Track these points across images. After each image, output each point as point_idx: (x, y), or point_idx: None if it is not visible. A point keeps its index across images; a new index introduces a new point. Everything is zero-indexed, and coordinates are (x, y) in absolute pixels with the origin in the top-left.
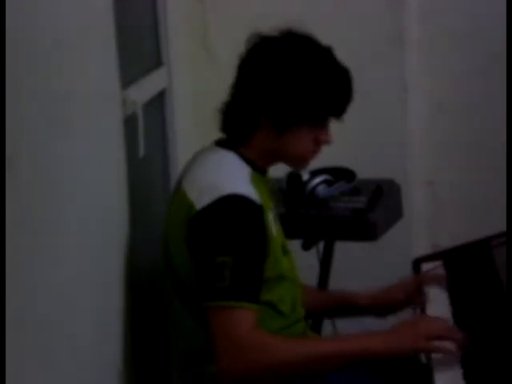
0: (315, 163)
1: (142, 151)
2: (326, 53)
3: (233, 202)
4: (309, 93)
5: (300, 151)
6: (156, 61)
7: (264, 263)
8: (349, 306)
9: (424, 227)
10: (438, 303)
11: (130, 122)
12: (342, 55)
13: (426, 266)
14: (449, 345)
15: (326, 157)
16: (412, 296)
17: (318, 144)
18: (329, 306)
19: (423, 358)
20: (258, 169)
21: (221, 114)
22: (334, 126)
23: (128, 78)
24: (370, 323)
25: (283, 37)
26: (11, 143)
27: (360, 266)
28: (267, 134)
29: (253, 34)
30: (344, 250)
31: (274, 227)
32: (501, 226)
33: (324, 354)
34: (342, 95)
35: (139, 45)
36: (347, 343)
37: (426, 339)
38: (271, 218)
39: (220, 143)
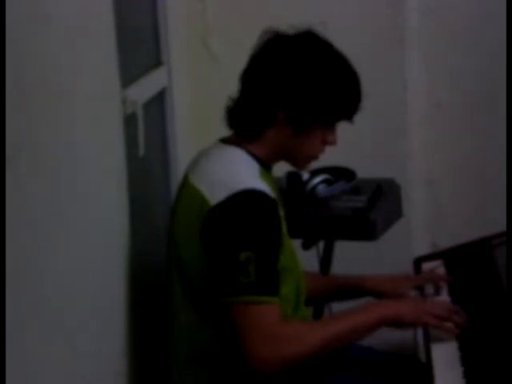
0: (315, 163)
1: (142, 151)
2: (344, 57)
3: (249, 197)
4: (331, 93)
5: (309, 151)
6: (156, 60)
7: (279, 257)
8: (354, 290)
9: (424, 227)
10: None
11: (129, 122)
12: None
13: (426, 266)
14: (449, 324)
15: (325, 156)
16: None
17: (324, 145)
18: (333, 290)
19: (423, 357)
20: (265, 165)
21: (230, 110)
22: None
23: (128, 78)
24: None
25: (304, 36)
26: (11, 143)
27: (360, 266)
28: (283, 130)
29: (267, 30)
30: (344, 250)
31: (284, 223)
32: (501, 225)
33: (347, 329)
34: (357, 97)
35: (139, 45)
36: (363, 315)
37: (428, 314)
38: (282, 213)
39: (225, 141)
